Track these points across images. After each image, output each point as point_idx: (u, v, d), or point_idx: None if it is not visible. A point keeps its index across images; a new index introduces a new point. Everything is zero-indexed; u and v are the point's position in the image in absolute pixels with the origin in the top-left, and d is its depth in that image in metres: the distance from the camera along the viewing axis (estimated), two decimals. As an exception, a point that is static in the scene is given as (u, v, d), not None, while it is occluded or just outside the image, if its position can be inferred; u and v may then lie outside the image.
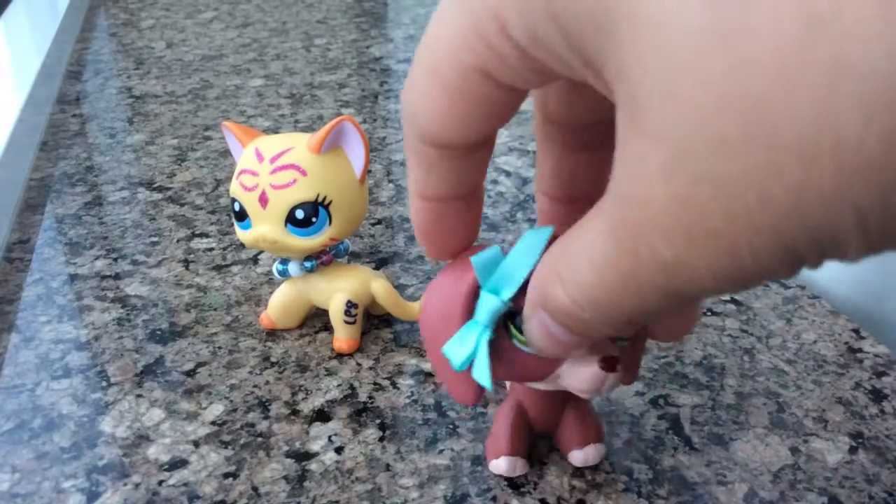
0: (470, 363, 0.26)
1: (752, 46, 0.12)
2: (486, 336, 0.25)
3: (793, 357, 0.37)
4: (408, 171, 0.22)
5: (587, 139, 0.24)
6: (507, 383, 0.32)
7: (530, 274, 0.24)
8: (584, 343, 0.21)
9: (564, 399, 0.30)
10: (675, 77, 0.13)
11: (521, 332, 0.25)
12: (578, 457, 0.31)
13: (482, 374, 0.26)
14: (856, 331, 0.39)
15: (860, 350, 0.37)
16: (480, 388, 0.28)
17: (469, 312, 0.26)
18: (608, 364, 0.25)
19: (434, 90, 0.19)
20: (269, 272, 0.44)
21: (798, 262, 0.14)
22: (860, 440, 0.32)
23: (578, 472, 0.31)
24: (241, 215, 0.35)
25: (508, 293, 0.24)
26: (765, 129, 0.13)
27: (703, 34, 0.13)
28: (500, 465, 0.30)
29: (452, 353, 0.25)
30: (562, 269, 0.19)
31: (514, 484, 0.30)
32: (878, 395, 0.35)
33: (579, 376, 0.25)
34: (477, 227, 0.25)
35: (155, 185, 0.54)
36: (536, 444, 0.32)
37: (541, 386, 0.27)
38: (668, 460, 0.31)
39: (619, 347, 0.26)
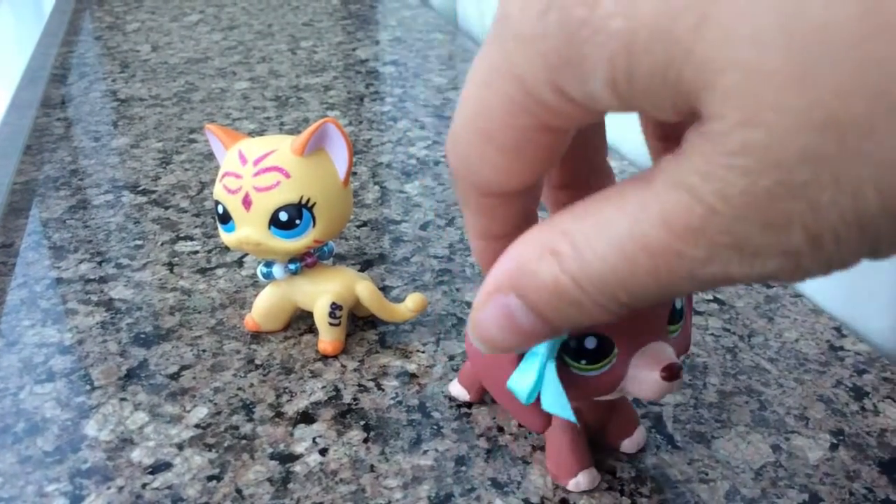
0: (537, 394, 0.26)
1: (828, 86, 0.14)
2: (552, 367, 0.26)
3: (774, 355, 0.37)
4: (465, 217, 0.23)
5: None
6: None
7: None
8: (548, 333, 0.20)
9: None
10: (756, 110, 0.14)
11: (577, 358, 0.26)
12: (630, 444, 0.31)
13: (559, 405, 0.26)
14: (837, 329, 0.39)
15: (841, 348, 0.38)
16: (548, 415, 0.28)
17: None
18: (669, 373, 0.25)
19: (492, 152, 0.19)
20: (254, 275, 0.44)
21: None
22: (841, 437, 0.33)
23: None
24: (225, 218, 0.35)
25: None
26: (847, 146, 0.14)
27: (781, 75, 0.14)
28: (580, 482, 0.30)
29: (518, 388, 0.26)
30: (561, 244, 0.18)
31: (497, 483, 0.30)
32: (858, 393, 0.35)
33: (643, 386, 0.26)
34: None
35: (139, 189, 0.54)
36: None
37: (611, 397, 0.28)
38: (651, 459, 0.31)
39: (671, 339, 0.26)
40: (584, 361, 0.26)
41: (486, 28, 0.95)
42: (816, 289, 0.42)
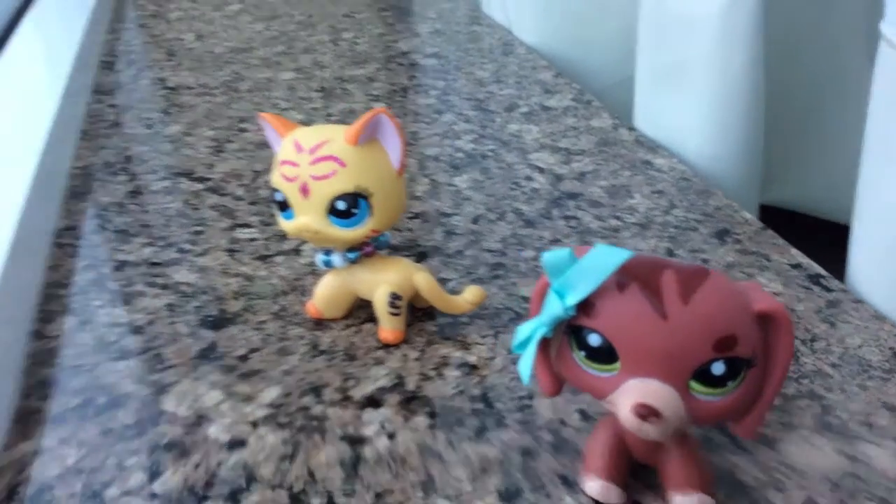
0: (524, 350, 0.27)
1: None
2: (539, 333, 0.27)
3: (837, 361, 0.37)
4: None
5: None
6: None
7: (595, 289, 0.25)
8: None
9: None
10: None
11: (580, 347, 0.26)
12: (678, 502, 0.29)
13: (523, 367, 0.27)
14: (896, 334, 0.39)
15: (903, 354, 0.38)
16: (556, 383, 0.29)
17: (541, 305, 0.27)
18: (638, 412, 0.25)
19: None
20: (312, 263, 0.45)
21: None
22: (903, 442, 0.33)
23: (632, 470, 0.31)
24: (284, 205, 0.36)
25: (571, 300, 0.26)
26: None
27: None
28: (593, 487, 0.30)
29: (515, 337, 0.27)
30: None
31: (567, 481, 0.31)
32: (919, 398, 0.35)
33: (619, 412, 0.26)
34: None
35: (195, 176, 0.55)
36: (637, 472, 0.31)
37: (608, 407, 0.27)
38: (717, 459, 0.32)
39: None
40: (583, 353, 0.26)
41: (510, 16, 0.94)
42: (879, 295, 0.42)
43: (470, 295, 0.39)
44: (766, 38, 0.55)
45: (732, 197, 0.53)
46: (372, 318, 0.40)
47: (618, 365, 0.26)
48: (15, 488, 0.30)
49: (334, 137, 0.35)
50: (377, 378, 0.36)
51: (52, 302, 0.41)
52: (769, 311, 0.26)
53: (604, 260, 0.25)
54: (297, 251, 0.46)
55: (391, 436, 0.33)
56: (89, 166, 0.56)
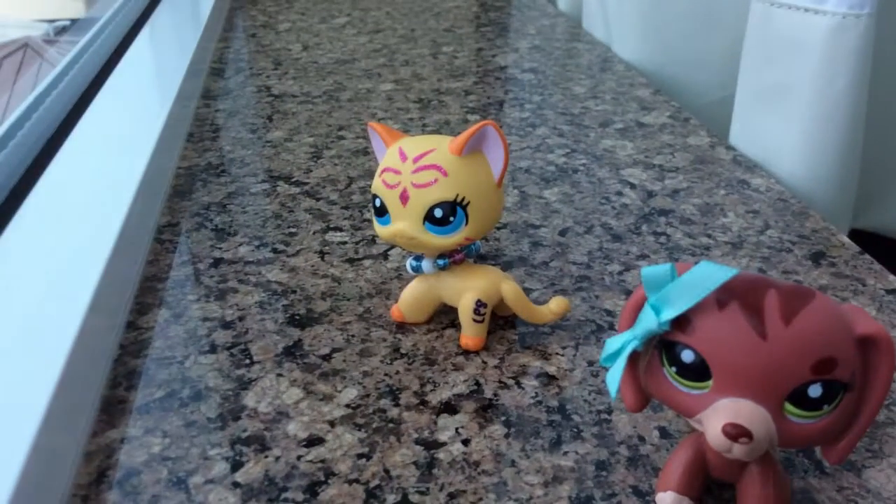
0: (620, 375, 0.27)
1: None
2: (630, 346, 0.26)
3: (933, 389, 0.36)
4: None
5: None
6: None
7: (693, 305, 0.25)
8: None
9: None
10: None
11: (672, 363, 0.26)
12: None
13: (611, 380, 0.27)
14: None
15: None
16: (641, 399, 0.29)
17: (633, 319, 0.27)
18: (729, 431, 0.24)
19: None
20: (399, 267, 0.46)
21: None
22: None
23: (707, 487, 0.31)
24: (382, 211, 0.37)
25: (667, 316, 0.25)
26: None
27: None
28: (664, 499, 0.29)
29: (604, 349, 0.27)
30: None
31: (639, 492, 0.31)
32: None
33: (707, 430, 0.25)
34: None
35: (293, 180, 0.57)
36: (710, 488, 0.31)
37: (695, 425, 0.27)
38: (798, 482, 0.31)
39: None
40: (674, 369, 0.26)
41: (611, 32, 0.93)
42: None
43: (555, 305, 0.39)
44: (872, 62, 0.53)
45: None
46: (453, 324, 0.40)
47: (710, 383, 0.25)
48: (104, 472, 0.32)
49: (439, 147, 0.36)
50: (455, 384, 0.36)
51: (149, 294, 0.43)
52: (872, 334, 0.25)
53: (707, 277, 0.25)
54: (385, 256, 0.47)
55: (466, 441, 0.33)
56: (193, 167, 0.59)
